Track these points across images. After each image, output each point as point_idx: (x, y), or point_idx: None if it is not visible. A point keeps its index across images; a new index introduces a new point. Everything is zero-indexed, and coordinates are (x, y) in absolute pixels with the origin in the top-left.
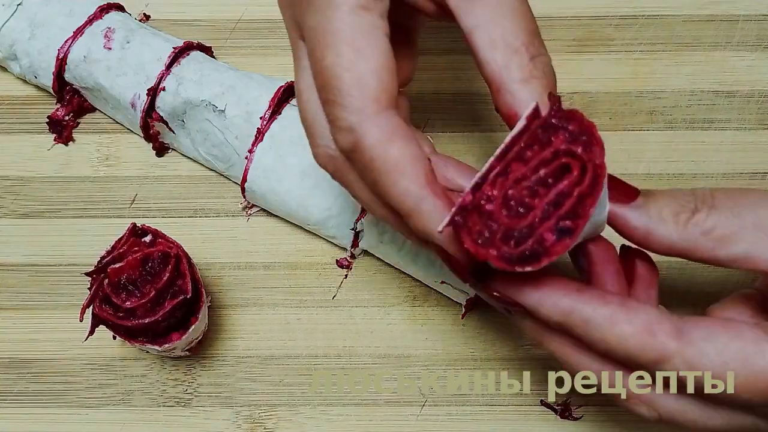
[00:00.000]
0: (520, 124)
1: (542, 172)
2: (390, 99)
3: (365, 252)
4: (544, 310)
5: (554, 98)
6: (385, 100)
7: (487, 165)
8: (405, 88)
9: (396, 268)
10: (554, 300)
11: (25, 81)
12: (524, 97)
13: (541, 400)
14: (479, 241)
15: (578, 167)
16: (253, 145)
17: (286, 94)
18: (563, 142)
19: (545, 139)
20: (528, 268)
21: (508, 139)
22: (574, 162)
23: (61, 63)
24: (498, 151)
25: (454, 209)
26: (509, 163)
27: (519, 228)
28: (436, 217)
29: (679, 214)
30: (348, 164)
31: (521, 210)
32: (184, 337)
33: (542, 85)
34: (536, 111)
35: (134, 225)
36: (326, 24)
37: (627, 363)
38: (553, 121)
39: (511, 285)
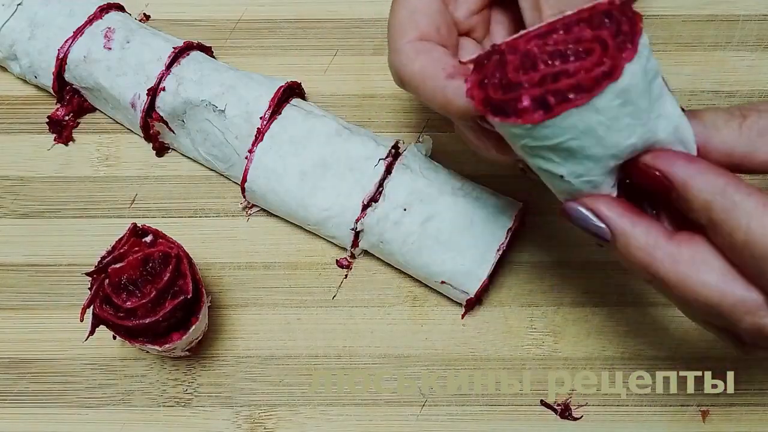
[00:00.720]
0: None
1: (570, 47)
2: (422, 33)
3: (365, 252)
4: (697, 183)
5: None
6: (412, 34)
7: (534, 27)
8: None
9: (396, 268)
10: (710, 177)
11: (25, 81)
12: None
13: (541, 400)
14: (479, 85)
15: (598, 56)
16: (253, 145)
17: (286, 94)
18: (608, 33)
19: (597, 23)
20: (495, 119)
21: (573, 10)
22: (599, 49)
23: (61, 63)
24: (557, 17)
25: (481, 53)
26: (556, 28)
27: (515, 80)
28: (460, 93)
29: (731, 121)
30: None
31: (529, 67)
32: (184, 337)
33: None
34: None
35: (135, 225)
36: None
37: (750, 259)
38: (615, 12)
39: (663, 158)
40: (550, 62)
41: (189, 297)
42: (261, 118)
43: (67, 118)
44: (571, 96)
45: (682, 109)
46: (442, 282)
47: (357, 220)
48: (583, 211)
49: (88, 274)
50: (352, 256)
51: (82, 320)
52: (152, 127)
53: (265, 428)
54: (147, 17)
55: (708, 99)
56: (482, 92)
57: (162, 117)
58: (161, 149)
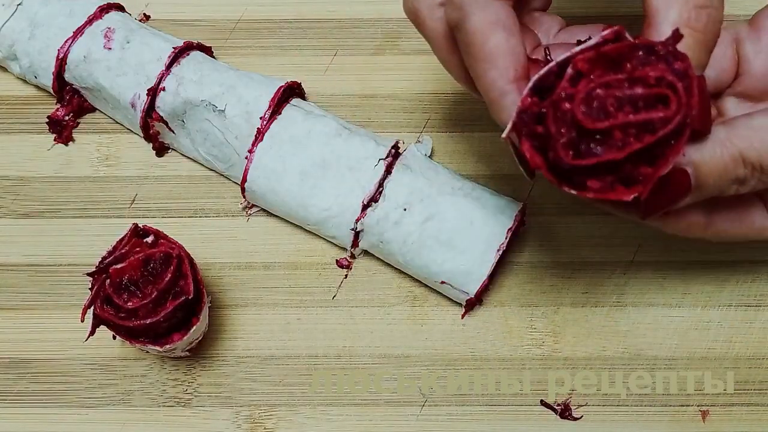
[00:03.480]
0: (615, 33)
1: (639, 90)
2: None
3: (365, 252)
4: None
5: (675, 32)
6: None
7: (563, 57)
8: None
9: (396, 268)
10: None
11: (25, 81)
12: None
13: (541, 400)
14: (537, 146)
15: (675, 104)
16: (253, 145)
17: (286, 94)
18: (669, 73)
19: (645, 61)
20: (573, 192)
21: (598, 38)
22: (674, 97)
23: (61, 63)
24: (583, 45)
25: (514, 113)
26: (597, 63)
27: (593, 129)
28: (508, 107)
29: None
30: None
31: (601, 115)
32: (185, 337)
33: (695, 38)
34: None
35: (136, 226)
36: None
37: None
38: (659, 48)
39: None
40: (626, 111)
41: (190, 297)
42: (261, 118)
43: (67, 118)
44: (660, 157)
45: None
46: (442, 282)
47: (357, 220)
48: None
49: (89, 274)
50: (352, 256)
51: (83, 320)
52: (152, 127)
53: (265, 428)
54: (147, 17)
55: None
56: (550, 155)
57: (162, 117)
58: (161, 149)
